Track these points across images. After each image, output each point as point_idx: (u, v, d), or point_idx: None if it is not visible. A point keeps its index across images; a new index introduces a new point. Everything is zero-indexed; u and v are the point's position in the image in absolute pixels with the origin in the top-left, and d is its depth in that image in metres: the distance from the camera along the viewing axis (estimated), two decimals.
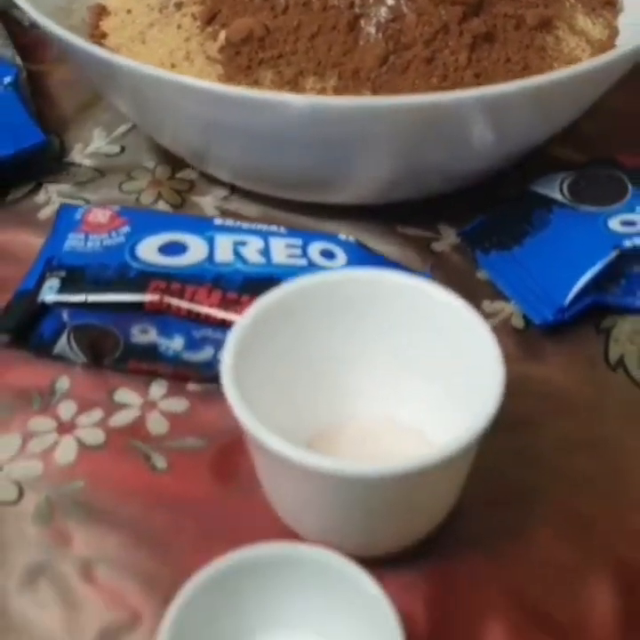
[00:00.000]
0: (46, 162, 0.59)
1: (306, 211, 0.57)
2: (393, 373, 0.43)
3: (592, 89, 0.53)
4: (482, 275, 0.54)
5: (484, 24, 0.54)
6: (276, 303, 0.42)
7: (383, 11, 0.54)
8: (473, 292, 0.52)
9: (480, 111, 0.49)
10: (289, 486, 0.39)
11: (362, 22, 0.54)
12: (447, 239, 0.56)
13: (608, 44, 0.59)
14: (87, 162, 0.60)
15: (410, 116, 0.48)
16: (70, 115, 0.63)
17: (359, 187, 0.55)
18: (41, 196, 0.58)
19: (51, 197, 0.57)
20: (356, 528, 0.39)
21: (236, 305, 0.46)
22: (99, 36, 0.60)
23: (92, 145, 0.61)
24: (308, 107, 0.47)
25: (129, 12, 0.60)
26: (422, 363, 0.43)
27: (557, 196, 0.54)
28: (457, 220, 0.56)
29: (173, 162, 0.59)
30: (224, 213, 0.57)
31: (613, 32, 0.61)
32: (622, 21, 0.62)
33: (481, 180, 0.56)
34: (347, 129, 0.49)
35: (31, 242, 0.53)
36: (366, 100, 0.49)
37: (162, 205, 0.57)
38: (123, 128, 0.62)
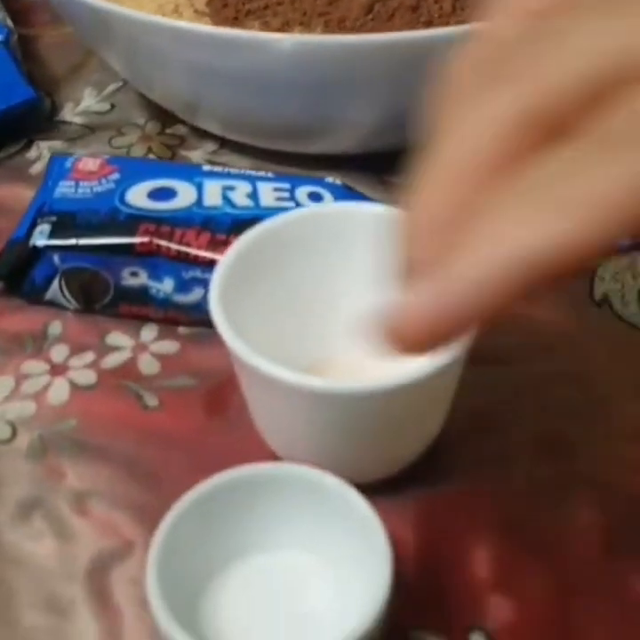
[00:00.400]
0: (37, 120, 0.60)
1: (294, 162, 0.57)
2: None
3: None
4: None
5: None
6: (260, 238, 0.42)
7: None
8: None
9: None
10: (279, 411, 0.39)
11: None
12: None
13: None
14: (78, 119, 0.61)
15: (395, 53, 0.48)
16: (61, 76, 0.64)
17: (346, 133, 0.55)
18: (32, 153, 0.58)
19: (42, 153, 0.58)
20: (345, 451, 0.40)
21: (225, 246, 0.46)
22: None
23: (82, 103, 0.62)
24: (294, 45, 0.48)
25: None
26: None
27: None
28: None
29: (163, 118, 0.60)
30: (213, 166, 0.57)
31: None
32: None
33: None
34: (332, 68, 0.49)
35: (23, 194, 0.54)
36: (352, 38, 0.49)
37: (152, 157, 0.58)
38: (113, 86, 0.62)
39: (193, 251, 0.46)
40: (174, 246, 0.46)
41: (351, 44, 0.47)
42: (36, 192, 0.51)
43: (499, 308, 0.22)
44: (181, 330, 0.48)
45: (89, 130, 0.60)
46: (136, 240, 0.46)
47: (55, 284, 0.48)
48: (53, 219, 0.48)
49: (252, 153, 0.58)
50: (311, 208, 0.43)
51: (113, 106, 0.61)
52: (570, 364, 0.47)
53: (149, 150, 0.58)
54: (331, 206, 0.43)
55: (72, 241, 0.47)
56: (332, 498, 0.36)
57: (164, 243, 0.46)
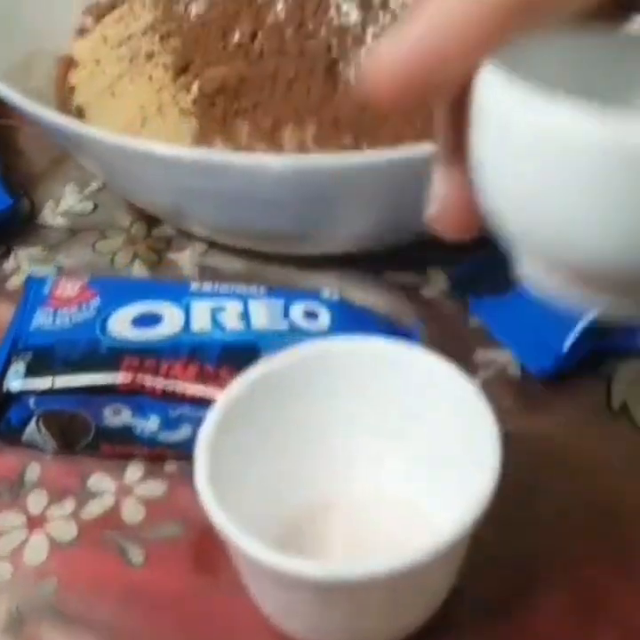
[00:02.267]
0: (15, 223, 0.56)
1: (288, 262, 0.54)
2: (381, 444, 0.40)
3: None
4: (475, 321, 0.50)
5: None
6: (255, 381, 0.38)
7: (362, 53, 0.51)
8: (466, 341, 0.50)
9: None
10: (272, 589, 0.36)
11: (340, 66, 0.51)
12: (437, 284, 0.53)
13: None
14: (59, 221, 0.57)
15: (392, 169, 0.44)
16: (40, 170, 0.60)
17: (341, 238, 0.52)
18: (10, 263, 0.54)
19: (20, 265, 0.54)
20: (346, 625, 0.36)
21: (215, 378, 0.43)
22: (67, 91, 0.57)
23: (63, 202, 0.58)
24: (282, 168, 0.44)
25: (98, 62, 0.57)
26: (412, 432, 0.39)
27: None
28: (447, 263, 0.53)
29: (149, 218, 0.56)
30: (203, 270, 0.54)
31: None
32: None
33: None
34: (324, 187, 0.46)
35: (1, 314, 0.50)
36: (346, 158, 0.45)
37: (137, 266, 0.54)
38: (95, 184, 0.58)
39: (180, 386, 0.43)
40: (160, 383, 0.43)
41: (342, 166, 0.44)
42: (12, 316, 0.48)
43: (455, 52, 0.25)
44: (168, 466, 0.44)
45: (71, 233, 0.56)
46: (118, 378, 0.43)
47: (32, 425, 0.44)
48: (29, 356, 0.44)
49: (244, 254, 0.54)
50: (307, 345, 0.39)
51: (96, 206, 0.58)
52: (589, 491, 0.43)
53: (135, 255, 0.55)
54: (328, 343, 0.40)
55: (48, 382, 0.43)
56: None
57: (148, 379, 0.43)
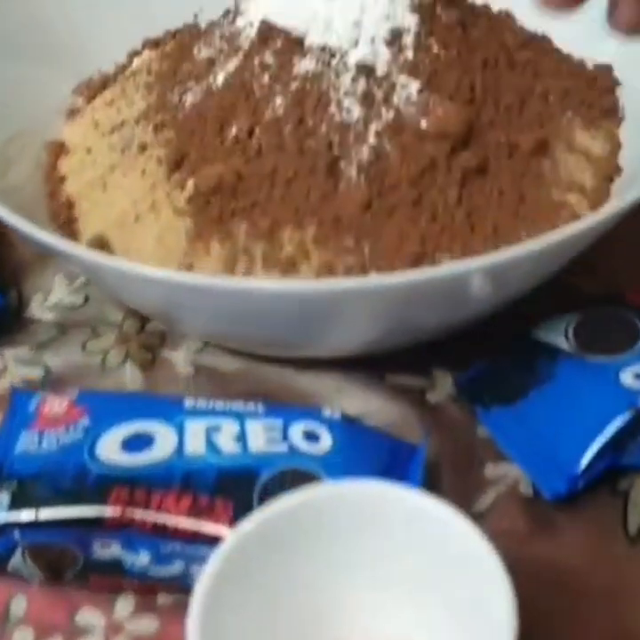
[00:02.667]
0: (2, 319, 0.54)
1: (286, 363, 0.52)
2: (393, 594, 0.38)
3: (594, 237, 0.48)
4: (483, 431, 0.48)
5: (474, 156, 0.49)
6: (252, 532, 0.36)
7: (364, 150, 0.49)
8: (474, 454, 0.48)
9: (467, 280, 0.43)
10: None
11: (341, 164, 0.48)
12: (443, 388, 0.51)
13: (610, 161, 0.53)
14: (48, 316, 0.55)
15: (393, 293, 0.42)
16: (29, 261, 0.57)
17: (340, 345, 0.50)
18: None
19: (7, 366, 0.52)
20: None
21: (209, 512, 0.41)
22: (56, 181, 0.55)
23: (52, 295, 0.56)
24: (276, 292, 0.42)
25: (89, 151, 0.55)
26: (418, 584, 0.37)
27: (562, 343, 0.49)
28: (453, 364, 0.51)
29: (141, 313, 0.54)
30: (198, 369, 0.52)
31: (615, 145, 0.55)
32: (624, 132, 0.56)
33: (477, 323, 0.51)
34: (321, 309, 0.44)
35: None
36: (346, 283, 0.44)
37: (129, 366, 0.52)
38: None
39: (172, 520, 0.41)
40: (151, 517, 0.41)
41: (341, 291, 0.42)
42: None
43: None
44: (161, 599, 0.42)
45: (60, 330, 0.54)
46: (107, 512, 0.41)
47: (17, 556, 0.42)
48: (13, 485, 0.42)
49: (241, 353, 0.52)
50: (306, 493, 0.37)
51: (86, 298, 0.55)
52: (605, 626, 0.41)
53: (127, 355, 0.52)
54: (329, 490, 0.38)
55: (32, 514, 0.41)
56: None
57: (138, 513, 0.41)
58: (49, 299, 0.56)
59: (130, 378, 0.52)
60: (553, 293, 0.51)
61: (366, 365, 0.51)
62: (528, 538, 0.44)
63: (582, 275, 0.53)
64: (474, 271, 0.42)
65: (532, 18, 0.60)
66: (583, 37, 0.59)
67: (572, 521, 0.45)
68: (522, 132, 0.51)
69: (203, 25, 0.61)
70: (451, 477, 0.46)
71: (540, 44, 0.58)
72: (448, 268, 0.43)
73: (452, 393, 0.50)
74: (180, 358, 0.52)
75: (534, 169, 0.51)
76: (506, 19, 0.59)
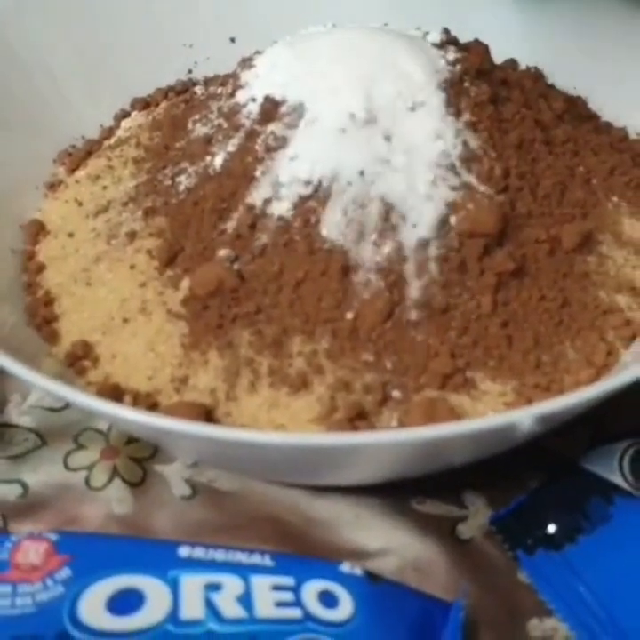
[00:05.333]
0: None
1: (295, 485, 0.46)
2: None
3: None
4: (525, 577, 0.42)
5: (509, 257, 0.43)
6: None
7: (384, 251, 0.43)
8: (516, 606, 0.41)
9: (509, 430, 0.38)
10: None
11: (358, 267, 0.43)
12: (477, 518, 0.44)
13: None
14: (25, 420, 0.48)
15: (416, 448, 0.37)
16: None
17: (357, 479, 0.44)
18: None
19: None
20: None
21: None
22: (34, 271, 0.48)
23: (31, 396, 0.49)
24: (285, 446, 0.36)
25: (71, 235, 0.49)
26: None
27: (617, 478, 0.43)
28: (487, 488, 0.45)
29: None
30: (196, 489, 0.46)
31: None
32: None
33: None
34: (332, 461, 0.38)
35: None
36: (361, 437, 0.37)
37: (117, 485, 0.45)
38: None
39: None
40: None
41: (356, 445, 0.36)
42: None
43: None
44: None
45: (39, 440, 0.48)
46: None
47: None
48: None
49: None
50: None
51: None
52: None
53: (114, 472, 0.46)
54: None
55: None
56: None
57: None
58: (27, 400, 0.49)
59: (117, 499, 0.45)
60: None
61: (388, 490, 0.45)
62: None
63: None
64: (512, 423, 0.37)
65: (562, 76, 0.56)
66: (623, 102, 0.54)
67: None
68: (563, 224, 0.45)
69: (197, 85, 0.56)
70: (489, 636, 0.40)
71: (577, 111, 0.53)
72: (485, 421, 0.36)
73: (488, 527, 0.44)
74: (173, 474, 0.46)
75: (578, 268, 0.45)
76: (538, 83, 0.53)
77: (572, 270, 0.45)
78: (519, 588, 0.42)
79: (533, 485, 0.45)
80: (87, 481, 0.46)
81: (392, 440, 0.36)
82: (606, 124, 0.54)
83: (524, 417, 0.36)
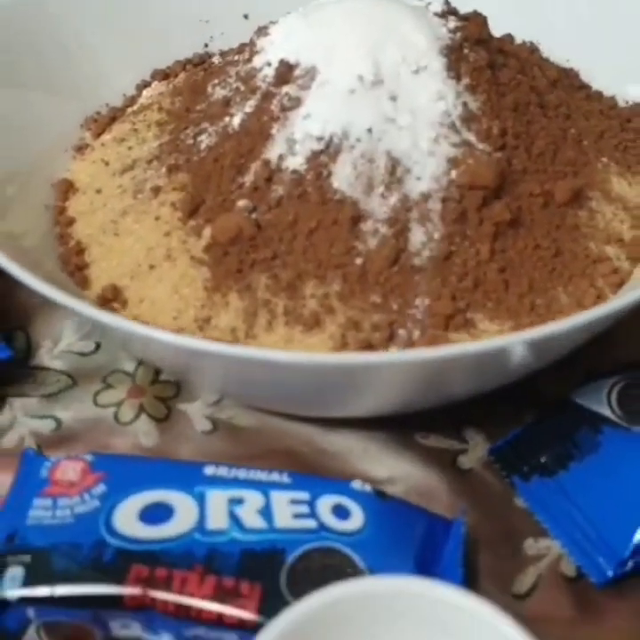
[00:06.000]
0: (10, 368, 0.51)
1: (308, 419, 0.49)
2: None
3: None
4: (521, 501, 0.46)
5: (507, 208, 0.47)
6: (285, 631, 0.34)
7: (392, 201, 0.46)
8: (512, 527, 0.45)
9: (506, 353, 0.41)
10: None
11: (367, 216, 0.46)
12: (476, 450, 0.48)
13: None
14: (57, 364, 0.52)
15: (422, 368, 0.40)
16: (37, 305, 0.54)
17: (362, 410, 0.48)
18: (5, 415, 0.50)
19: (16, 416, 0.50)
20: None
21: (234, 595, 0.39)
22: (65, 224, 0.52)
23: (62, 342, 0.53)
24: (300, 365, 0.40)
25: (99, 191, 0.53)
26: None
27: (605, 410, 0.46)
28: (486, 424, 0.49)
29: None
30: (216, 425, 0.50)
31: None
32: None
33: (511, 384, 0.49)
34: (346, 382, 0.42)
35: None
36: (367, 358, 0.41)
37: (143, 421, 0.50)
38: None
39: (195, 603, 0.38)
40: (173, 598, 0.38)
41: (364, 364, 0.40)
42: (7, 493, 0.43)
43: None
44: None
45: (70, 380, 0.52)
46: (126, 591, 0.38)
47: (31, 632, 0.40)
48: (27, 559, 0.40)
49: (260, 408, 0.50)
50: (337, 591, 0.35)
51: (97, 346, 0.53)
52: None
53: (141, 409, 0.50)
54: (363, 588, 0.35)
55: (48, 591, 0.39)
56: None
57: (159, 594, 0.38)
58: (58, 345, 0.53)
59: (144, 433, 0.49)
60: (594, 352, 0.48)
61: (395, 425, 0.49)
62: (571, 623, 0.42)
63: (625, 333, 0.50)
64: (508, 346, 0.40)
65: (556, 50, 0.59)
66: (613, 73, 0.58)
67: (617, 605, 0.42)
68: (556, 180, 0.49)
69: (214, 57, 0.59)
70: (488, 554, 0.44)
71: (570, 81, 0.56)
72: (480, 344, 0.40)
73: (487, 458, 0.48)
74: (196, 412, 0.50)
75: (570, 220, 0.49)
76: (533, 55, 0.57)
77: (564, 223, 0.49)
78: (515, 511, 0.46)
79: (529, 420, 0.48)
80: (115, 416, 0.50)
81: (401, 359, 0.40)
82: (597, 92, 0.57)
83: (518, 341, 0.39)
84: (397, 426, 0.49)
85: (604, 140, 0.53)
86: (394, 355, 0.42)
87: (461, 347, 0.40)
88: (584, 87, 0.58)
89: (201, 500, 0.42)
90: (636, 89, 0.57)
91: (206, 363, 0.43)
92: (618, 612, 0.42)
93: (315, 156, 0.47)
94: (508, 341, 0.40)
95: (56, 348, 0.53)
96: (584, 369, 0.49)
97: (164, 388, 0.51)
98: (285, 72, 0.48)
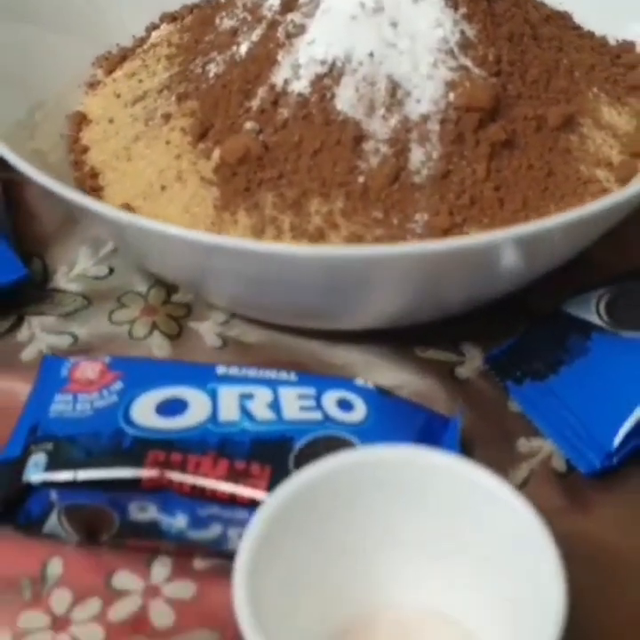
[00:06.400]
0: (28, 290, 0.54)
1: (313, 335, 0.52)
2: (429, 560, 0.38)
3: (625, 212, 0.49)
4: (515, 406, 0.49)
5: (502, 130, 0.49)
6: (296, 492, 0.36)
7: (392, 122, 0.49)
8: (506, 429, 0.48)
9: (502, 250, 0.44)
10: None
11: (368, 136, 0.49)
12: (472, 362, 0.51)
13: (637, 137, 0.54)
14: (73, 287, 0.55)
15: (419, 261, 0.43)
16: (52, 230, 0.57)
17: (368, 317, 0.50)
18: (23, 332, 0.52)
19: (34, 333, 0.52)
20: None
21: (246, 477, 0.41)
22: (79, 151, 0.55)
23: (77, 266, 0.56)
24: (308, 258, 0.43)
25: (111, 121, 0.55)
26: (462, 548, 0.38)
27: (594, 318, 0.49)
28: (482, 338, 0.51)
29: (167, 283, 0.54)
30: (226, 342, 0.52)
31: None
32: None
33: (506, 297, 0.51)
34: (353, 275, 0.44)
35: (15, 389, 0.49)
36: (372, 250, 0.44)
37: (157, 337, 0.52)
38: (110, 245, 0.56)
39: (209, 484, 0.41)
40: (188, 480, 0.41)
41: (370, 257, 0.43)
42: (28, 396, 0.46)
43: None
44: (197, 563, 0.43)
45: (86, 301, 0.54)
46: (144, 474, 0.41)
47: (53, 517, 0.42)
48: (49, 446, 0.42)
49: (267, 325, 0.52)
50: (349, 455, 0.37)
51: (111, 270, 0.55)
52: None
53: (154, 326, 0.53)
54: (372, 453, 0.38)
55: (70, 476, 0.41)
56: None
57: (176, 476, 0.41)
58: (73, 270, 0.56)
59: (157, 347, 0.52)
60: (583, 269, 0.51)
61: (395, 339, 0.51)
62: (561, 513, 0.44)
63: (611, 250, 0.53)
64: (507, 240, 0.43)
65: None
66: (603, 16, 0.60)
67: (604, 497, 0.45)
68: (549, 106, 0.52)
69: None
70: (483, 452, 0.46)
71: (563, 21, 0.59)
72: (481, 236, 0.43)
73: (482, 368, 0.50)
74: (206, 330, 0.53)
75: (562, 144, 0.51)
76: None
77: (556, 145, 0.51)
78: (509, 414, 0.49)
79: (522, 330, 0.51)
80: (130, 332, 0.53)
81: (404, 251, 0.42)
82: (588, 32, 0.60)
83: (509, 236, 0.42)
84: (397, 341, 0.51)
85: (595, 72, 0.56)
86: (395, 247, 0.45)
87: (459, 240, 0.42)
88: (576, 27, 0.60)
89: (213, 396, 0.44)
90: (627, 30, 0.60)
91: (222, 262, 0.45)
92: (604, 503, 0.45)
93: (319, 79, 0.49)
94: (499, 236, 0.42)
95: (71, 273, 0.56)
96: (573, 285, 0.52)
97: (175, 308, 0.54)
98: (290, 1, 0.51)
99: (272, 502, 0.36)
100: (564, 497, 0.45)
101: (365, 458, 0.37)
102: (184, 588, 0.42)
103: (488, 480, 0.36)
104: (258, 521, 0.35)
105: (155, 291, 0.54)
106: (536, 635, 0.32)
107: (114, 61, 0.60)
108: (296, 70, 0.50)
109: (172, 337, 0.52)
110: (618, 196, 0.45)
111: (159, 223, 0.44)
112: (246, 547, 0.35)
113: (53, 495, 0.42)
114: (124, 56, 0.61)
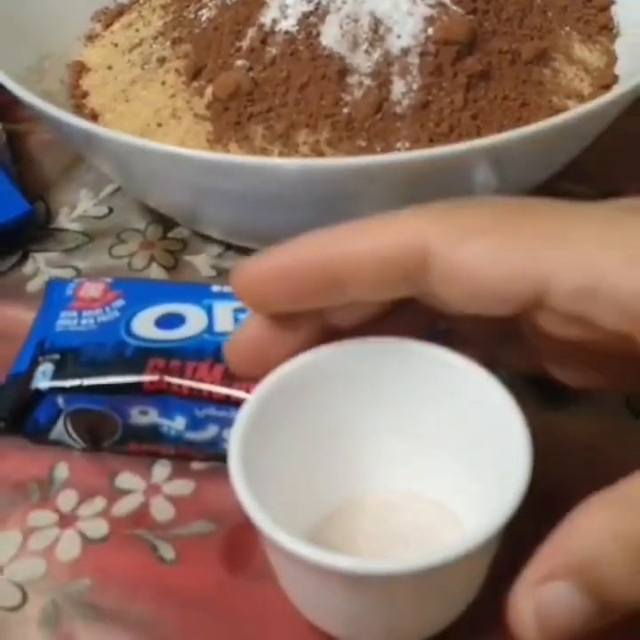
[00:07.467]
0: (32, 229, 0.57)
1: None
2: (411, 444, 0.41)
3: (595, 127, 0.51)
4: None
5: (478, 62, 0.52)
6: (284, 379, 0.39)
7: (375, 57, 0.52)
8: None
9: (479, 160, 0.47)
10: (307, 584, 0.37)
11: (352, 70, 0.52)
12: None
13: (607, 72, 0.57)
14: (74, 226, 0.58)
15: (404, 172, 0.45)
16: (54, 177, 0.61)
17: None
18: (28, 267, 0.55)
19: (39, 267, 0.55)
20: (373, 622, 0.37)
21: (240, 379, 0.44)
22: (79, 96, 0.57)
23: (78, 208, 0.59)
24: (298, 169, 0.45)
25: (110, 68, 0.58)
26: (442, 433, 0.40)
27: None
28: None
29: (164, 221, 0.57)
30: (220, 272, 0.55)
31: (611, 58, 0.58)
32: (620, 46, 0.59)
33: None
34: (341, 188, 0.47)
35: (21, 317, 0.51)
36: (359, 160, 0.47)
37: (155, 269, 0.55)
38: (110, 188, 0.59)
39: (206, 387, 0.44)
40: (186, 383, 0.44)
41: (356, 167, 0.45)
42: (34, 317, 0.49)
43: None
44: (195, 465, 0.45)
45: (87, 238, 0.57)
46: (145, 378, 0.44)
47: (60, 424, 0.45)
48: (56, 357, 0.45)
49: None
50: (338, 345, 0.40)
51: (111, 210, 0.58)
52: None
53: (152, 259, 0.55)
54: (360, 343, 0.40)
55: (76, 382, 0.44)
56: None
57: (174, 380, 0.44)
58: (75, 211, 0.59)
59: (155, 275, 0.54)
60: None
61: None
62: (539, 412, 0.46)
63: (576, 179, 0.56)
64: (487, 148, 0.45)
65: None
66: None
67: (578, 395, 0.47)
68: (523, 41, 0.54)
69: None
70: None
71: None
72: (460, 145, 0.46)
73: None
74: (201, 262, 0.55)
75: (535, 76, 0.54)
76: None
77: (530, 78, 0.54)
78: None
79: None
80: (129, 265, 0.55)
81: (383, 160, 0.45)
82: None
83: (483, 145, 0.45)
84: None
85: (568, 12, 0.58)
86: (377, 157, 0.47)
87: (439, 149, 0.45)
88: None
89: (209, 311, 0.47)
90: None
91: (221, 180, 0.47)
92: (579, 400, 0.47)
93: (305, 17, 0.52)
94: (474, 144, 0.45)
95: (73, 213, 0.59)
96: None
97: (171, 243, 0.57)
98: None
99: (261, 390, 0.38)
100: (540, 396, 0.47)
101: (352, 347, 0.40)
102: (183, 486, 0.44)
103: (463, 363, 0.39)
104: (247, 407, 0.38)
105: (152, 227, 0.57)
106: (505, 496, 0.34)
107: (111, 15, 0.63)
108: (283, 10, 0.53)
109: (168, 269, 0.55)
110: (592, 103, 0.48)
111: (168, 146, 0.47)
112: (242, 417, 0.37)
113: (60, 401, 0.44)
114: (121, 10, 0.64)
